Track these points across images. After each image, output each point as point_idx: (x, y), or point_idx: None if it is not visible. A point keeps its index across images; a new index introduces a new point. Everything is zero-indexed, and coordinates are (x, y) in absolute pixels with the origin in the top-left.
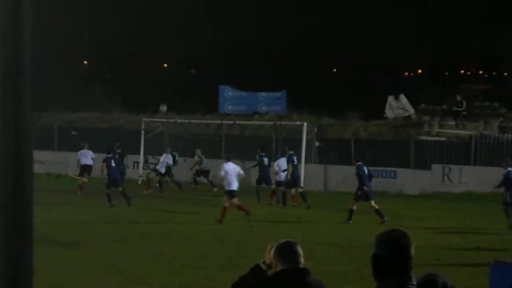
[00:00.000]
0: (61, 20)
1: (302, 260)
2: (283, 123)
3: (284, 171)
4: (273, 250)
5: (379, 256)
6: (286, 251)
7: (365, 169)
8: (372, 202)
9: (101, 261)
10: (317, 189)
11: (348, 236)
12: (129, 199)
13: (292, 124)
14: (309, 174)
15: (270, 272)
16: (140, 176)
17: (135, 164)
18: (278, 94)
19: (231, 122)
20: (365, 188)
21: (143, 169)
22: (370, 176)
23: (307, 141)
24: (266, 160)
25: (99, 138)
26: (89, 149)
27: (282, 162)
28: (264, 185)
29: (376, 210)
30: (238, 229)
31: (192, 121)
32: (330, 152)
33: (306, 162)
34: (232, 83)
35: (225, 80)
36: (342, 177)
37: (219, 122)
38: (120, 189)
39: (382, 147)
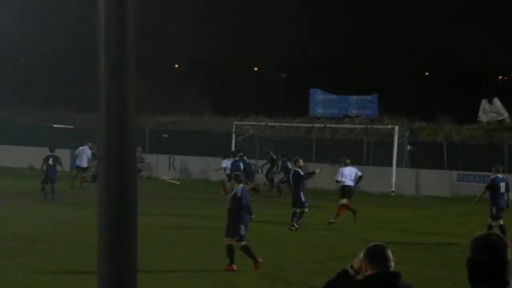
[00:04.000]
0: (153, 23)
1: (392, 264)
2: (374, 126)
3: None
4: (363, 253)
5: (475, 260)
6: (376, 255)
7: (241, 164)
8: None
9: (192, 264)
10: (408, 193)
11: (440, 241)
12: (53, 196)
13: (383, 128)
14: (401, 178)
15: (359, 278)
16: (229, 180)
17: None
18: (369, 97)
19: (322, 125)
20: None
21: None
22: (248, 171)
23: (398, 144)
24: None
25: (190, 140)
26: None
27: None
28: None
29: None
30: (329, 233)
31: (283, 124)
32: (422, 156)
33: (397, 166)
34: (323, 86)
35: (316, 83)
36: (435, 181)
37: (309, 125)
38: (54, 185)
39: (475, 151)
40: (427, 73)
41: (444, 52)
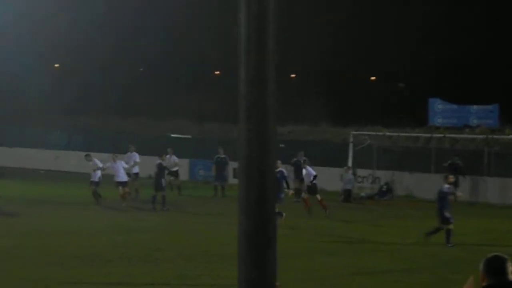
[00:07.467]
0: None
1: (510, 277)
2: (495, 136)
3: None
4: (482, 263)
5: None
6: (494, 267)
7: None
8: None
9: (312, 274)
10: None
11: None
12: (163, 206)
13: (505, 138)
14: None
15: None
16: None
17: (340, 177)
18: (490, 107)
19: (441, 135)
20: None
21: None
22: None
23: None
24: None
25: (307, 151)
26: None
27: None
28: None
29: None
30: (448, 246)
31: (401, 134)
32: None
33: None
34: (442, 95)
35: (435, 92)
36: None
37: (428, 135)
38: (163, 193)
39: None
40: None
41: None
